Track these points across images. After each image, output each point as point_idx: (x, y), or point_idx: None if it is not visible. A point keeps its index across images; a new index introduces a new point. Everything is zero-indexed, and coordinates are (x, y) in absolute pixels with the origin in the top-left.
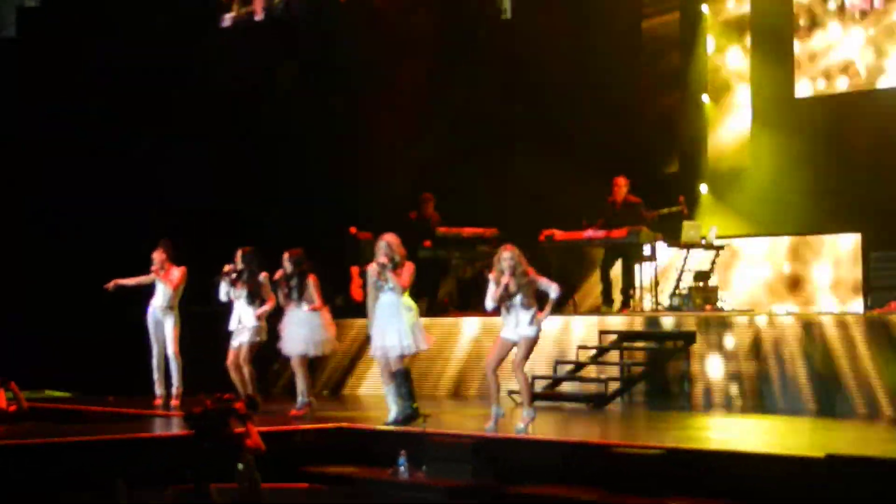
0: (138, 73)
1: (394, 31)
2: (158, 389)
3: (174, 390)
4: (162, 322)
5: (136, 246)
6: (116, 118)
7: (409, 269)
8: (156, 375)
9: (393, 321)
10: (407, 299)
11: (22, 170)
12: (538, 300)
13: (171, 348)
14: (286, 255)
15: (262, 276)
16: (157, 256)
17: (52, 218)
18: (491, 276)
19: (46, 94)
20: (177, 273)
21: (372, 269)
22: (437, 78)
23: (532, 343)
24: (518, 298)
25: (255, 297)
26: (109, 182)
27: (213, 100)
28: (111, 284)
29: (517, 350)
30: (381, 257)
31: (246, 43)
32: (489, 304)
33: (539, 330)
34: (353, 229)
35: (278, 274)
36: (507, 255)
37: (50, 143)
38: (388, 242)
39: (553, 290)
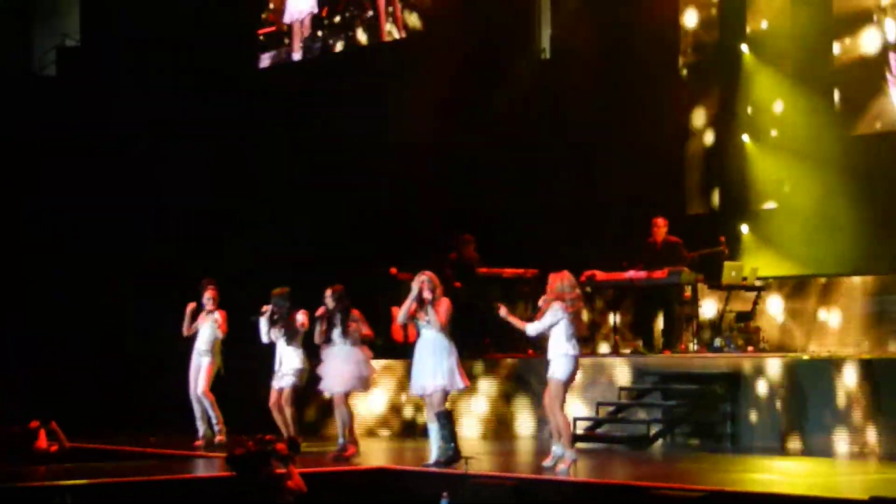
0: (175, 114)
1: (429, 68)
2: (202, 429)
3: (216, 427)
4: (201, 364)
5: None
6: (152, 158)
7: (445, 305)
8: (198, 414)
9: (432, 359)
10: (445, 337)
11: (63, 208)
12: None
13: (201, 387)
14: (328, 292)
15: (300, 313)
16: (212, 295)
17: (90, 246)
18: (540, 302)
19: (83, 130)
20: (220, 317)
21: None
22: (474, 115)
23: (560, 385)
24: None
25: (292, 338)
26: (151, 227)
27: (244, 136)
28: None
29: (548, 390)
30: (426, 292)
31: (282, 83)
32: (530, 330)
33: (564, 371)
34: (393, 270)
35: (320, 311)
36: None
37: (90, 180)
38: (430, 278)
39: (531, 329)
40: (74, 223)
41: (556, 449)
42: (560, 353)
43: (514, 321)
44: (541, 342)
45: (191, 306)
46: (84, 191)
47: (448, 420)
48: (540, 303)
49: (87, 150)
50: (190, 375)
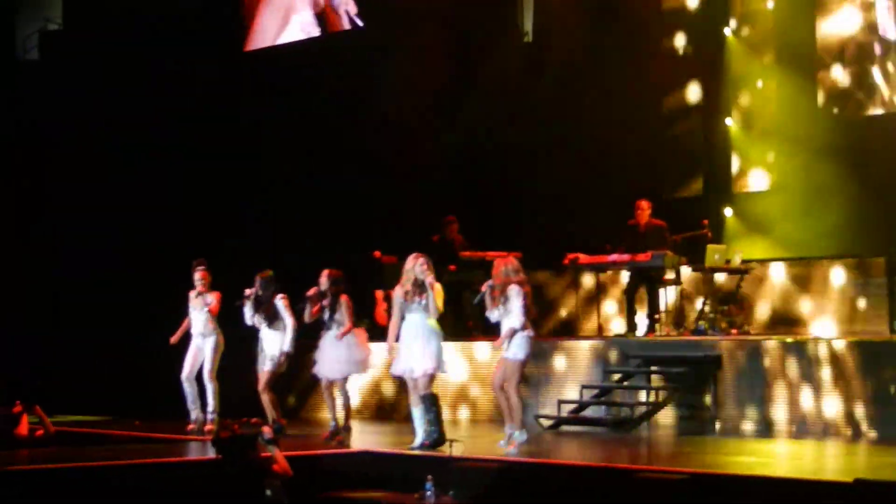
0: (159, 93)
1: (412, 54)
2: (194, 413)
3: (209, 416)
4: (202, 348)
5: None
6: (139, 137)
7: (439, 291)
8: (190, 398)
9: (420, 342)
10: (433, 321)
11: (52, 189)
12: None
13: (208, 370)
14: (325, 273)
15: (280, 297)
16: (201, 277)
17: (79, 237)
18: (484, 287)
19: (68, 113)
20: (212, 299)
21: (398, 291)
22: (458, 101)
23: (516, 365)
24: (501, 310)
25: (273, 321)
26: (134, 201)
27: (235, 119)
28: (175, 340)
29: (505, 370)
30: (430, 277)
31: (274, 67)
32: (489, 315)
33: (524, 351)
34: (377, 253)
35: (312, 291)
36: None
37: (77, 163)
38: (427, 260)
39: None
40: (59, 209)
41: (508, 430)
42: (521, 334)
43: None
44: (495, 326)
45: (185, 323)
46: (68, 176)
47: (434, 403)
48: (483, 288)
49: (71, 134)
50: (186, 358)
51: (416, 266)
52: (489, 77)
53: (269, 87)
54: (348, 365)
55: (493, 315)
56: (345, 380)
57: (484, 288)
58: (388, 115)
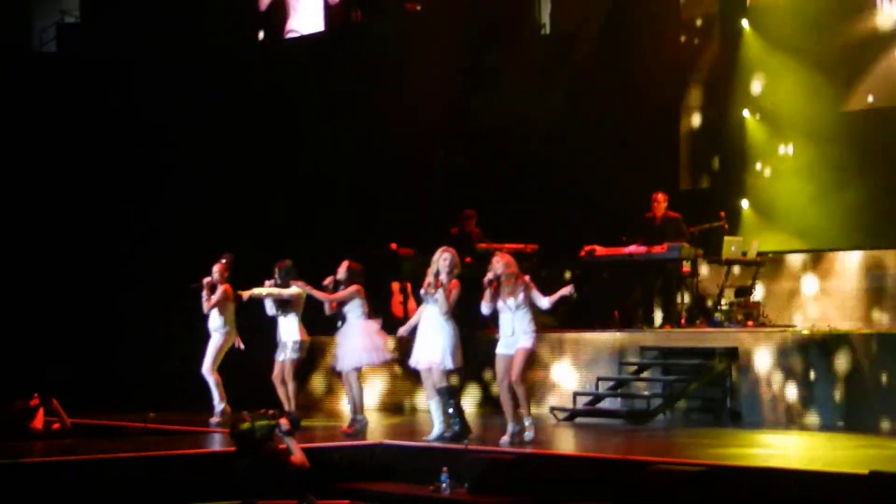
0: (177, 86)
1: (429, 45)
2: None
3: (217, 407)
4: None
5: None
6: (158, 130)
7: (455, 288)
8: (215, 392)
9: (437, 335)
10: (448, 317)
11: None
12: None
13: (206, 365)
14: (345, 264)
15: (294, 284)
16: (218, 269)
17: (97, 230)
18: (484, 281)
19: (84, 108)
20: (218, 291)
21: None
22: (476, 94)
23: (527, 354)
24: (511, 303)
25: (289, 310)
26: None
27: (250, 113)
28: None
29: (516, 362)
30: (444, 274)
31: (290, 60)
32: (484, 307)
33: (533, 341)
34: (393, 245)
35: (328, 280)
36: (495, 260)
37: (96, 157)
38: (452, 256)
39: (545, 302)
40: (76, 202)
41: (522, 423)
42: (530, 326)
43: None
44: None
45: (268, 283)
46: (85, 168)
47: (452, 396)
48: (486, 281)
49: (88, 127)
50: (205, 352)
51: (439, 260)
52: (506, 70)
53: (286, 80)
54: (364, 354)
55: (488, 308)
56: (357, 370)
57: (489, 277)
58: (407, 107)
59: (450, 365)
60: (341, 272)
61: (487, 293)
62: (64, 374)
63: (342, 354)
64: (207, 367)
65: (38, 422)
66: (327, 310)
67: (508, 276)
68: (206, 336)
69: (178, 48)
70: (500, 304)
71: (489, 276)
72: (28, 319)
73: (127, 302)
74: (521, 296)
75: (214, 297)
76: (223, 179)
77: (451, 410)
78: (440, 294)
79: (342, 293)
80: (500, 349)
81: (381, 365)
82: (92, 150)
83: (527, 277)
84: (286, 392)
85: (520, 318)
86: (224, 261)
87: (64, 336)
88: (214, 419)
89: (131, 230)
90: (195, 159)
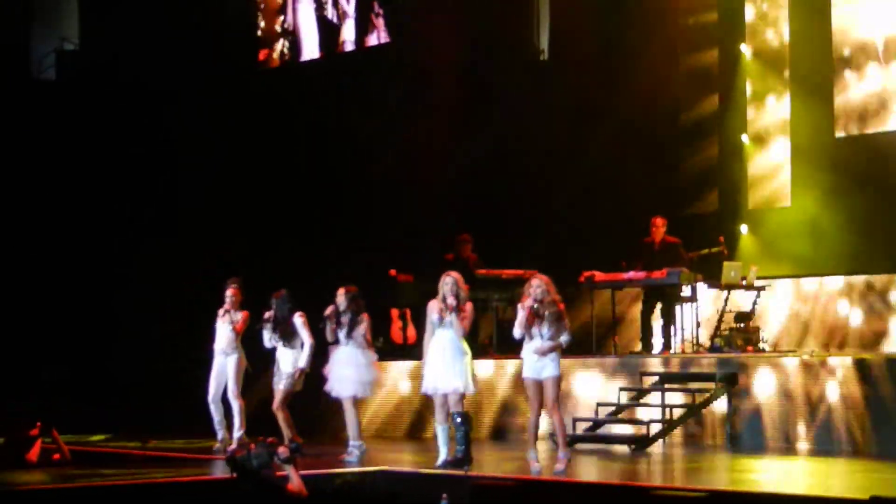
0: (176, 112)
1: (426, 73)
2: (220, 433)
3: (236, 433)
4: (225, 364)
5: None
6: (158, 155)
7: (470, 308)
8: (216, 419)
9: (451, 360)
10: (462, 340)
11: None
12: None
13: (233, 390)
14: (342, 291)
15: (298, 315)
16: (232, 294)
17: (100, 255)
18: (520, 305)
19: (84, 133)
20: (240, 317)
21: (432, 305)
22: (473, 118)
23: (559, 382)
24: (545, 331)
25: (289, 339)
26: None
27: (252, 137)
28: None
29: (546, 391)
30: (451, 297)
31: (288, 85)
32: (516, 331)
33: (557, 370)
34: (392, 271)
35: (329, 310)
36: (535, 283)
37: (96, 182)
38: (455, 279)
39: (565, 336)
40: (76, 228)
41: (531, 455)
42: (556, 351)
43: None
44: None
45: (268, 314)
46: (86, 195)
47: (466, 422)
48: (523, 306)
49: (89, 154)
50: (211, 378)
51: (443, 285)
52: (504, 95)
53: (282, 105)
54: (354, 385)
55: (519, 333)
56: (353, 398)
57: (524, 307)
58: (403, 133)
59: (471, 390)
60: (341, 300)
61: (522, 317)
62: (59, 374)
63: (337, 379)
64: (233, 392)
65: (34, 453)
66: (329, 335)
67: (551, 305)
68: (205, 345)
69: (178, 74)
70: (541, 330)
71: (528, 301)
72: (23, 319)
73: (122, 301)
74: (560, 321)
75: (239, 323)
76: (220, 203)
77: (459, 434)
78: (453, 317)
79: (366, 341)
80: (529, 373)
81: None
82: (93, 177)
83: (560, 303)
84: (288, 418)
85: (563, 340)
86: (234, 285)
87: (59, 335)
88: (232, 446)
89: (126, 229)
90: (195, 185)
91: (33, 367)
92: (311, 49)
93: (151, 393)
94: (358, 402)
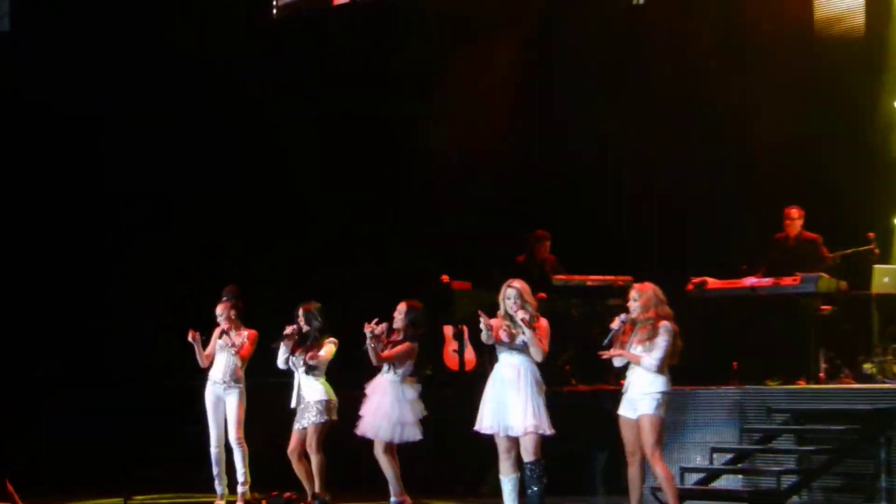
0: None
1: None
2: (219, 487)
3: (240, 487)
4: (223, 399)
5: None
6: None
7: (546, 325)
8: (215, 470)
9: (519, 392)
10: (536, 367)
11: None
12: None
13: (235, 433)
14: (403, 307)
15: (330, 341)
16: (224, 311)
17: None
18: (617, 319)
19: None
20: (245, 337)
21: (493, 323)
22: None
23: (657, 425)
24: (639, 351)
25: (315, 366)
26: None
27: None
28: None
29: (642, 435)
30: (518, 310)
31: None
32: (616, 360)
33: (663, 405)
34: (445, 277)
35: (380, 327)
36: (634, 294)
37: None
38: (518, 290)
39: (656, 354)
40: (62, 196)
41: None
42: (659, 383)
43: (622, 352)
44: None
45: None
46: (70, 165)
47: (543, 473)
48: (615, 323)
49: (84, 146)
50: (209, 420)
51: (503, 298)
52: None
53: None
54: (387, 425)
55: (620, 360)
56: (390, 443)
57: (616, 323)
58: (462, 101)
59: (548, 431)
60: (399, 318)
61: (614, 340)
62: (52, 370)
63: (369, 418)
64: (235, 436)
65: None
66: (374, 360)
67: (645, 322)
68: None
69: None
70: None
71: (621, 317)
72: (15, 315)
73: (115, 296)
74: (656, 342)
75: (244, 346)
76: (214, 174)
77: (535, 488)
78: (528, 336)
79: (394, 352)
80: (623, 411)
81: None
82: (73, 150)
83: (665, 322)
84: (306, 469)
85: (645, 371)
86: (228, 298)
87: (51, 331)
88: (238, 502)
89: (118, 224)
90: (186, 153)
91: (26, 363)
92: None
93: (148, 397)
94: (393, 447)
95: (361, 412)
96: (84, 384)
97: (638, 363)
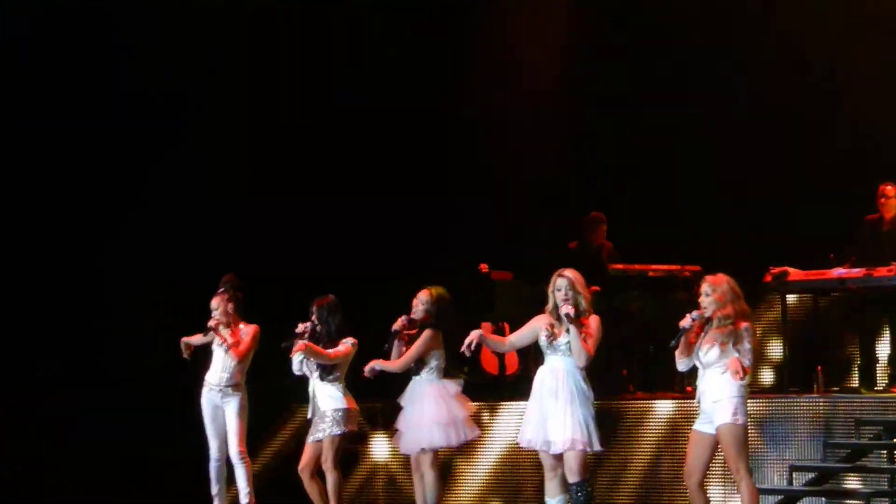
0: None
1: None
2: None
3: (244, 501)
4: (221, 407)
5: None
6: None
7: (595, 324)
8: (215, 488)
9: (560, 402)
10: (583, 374)
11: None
12: None
13: (236, 446)
14: (425, 295)
15: (349, 341)
16: (220, 304)
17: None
18: (688, 317)
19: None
20: (245, 335)
21: (540, 320)
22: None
23: (738, 435)
24: (713, 356)
25: (331, 369)
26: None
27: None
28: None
29: (723, 448)
30: (565, 305)
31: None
32: (680, 365)
33: (745, 414)
34: (483, 266)
35: (399, 322)
36: (706, 287)
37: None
38: (570, 280)
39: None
40: (61, 193)
41: None
42: (737, 389)
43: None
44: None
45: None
46: (71, 160)
47: (589, 496)
48: (685, 322)
49: (82, 142)
50: (207, 431)
51: (553, 289)
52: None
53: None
54: (430, 431)
55: (684, 363)
56: (431, 453)
57: (686, 321)
58: (511, 64)
59: (598, 446)
60: (418, 308)
61: (682, 341)
62: (52, 370)
63: (407, 429)
64: (236, 450)
65: None
66: (398, 366)
67: (723, 320)
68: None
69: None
70: (700, 355)
71: (692, 315)
72: (15, 315)
73: (114, 296)
74: (735, 347)
75: (242, 344)
76: (214, 170)
77: None
78: (573, 336)
79: (413, 347)
80: (699, 426)
81: (462, 446)
82: (74, 143)
83: (746, 324)
84: (319, 488)
85: (723, 378)
86: (225, 290)
87: (51, 331)
88: None
89: (118, 222)
90: (184, 150)
91: (26, 363)
92: None
93: (147, 397)
94: (436, 457)
95: (399, 426)
96: (84, 384)
97: (739, 377)
